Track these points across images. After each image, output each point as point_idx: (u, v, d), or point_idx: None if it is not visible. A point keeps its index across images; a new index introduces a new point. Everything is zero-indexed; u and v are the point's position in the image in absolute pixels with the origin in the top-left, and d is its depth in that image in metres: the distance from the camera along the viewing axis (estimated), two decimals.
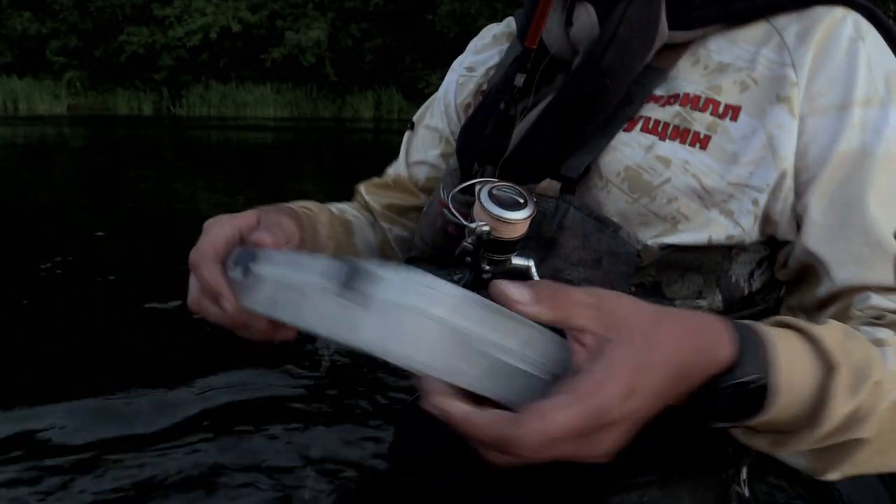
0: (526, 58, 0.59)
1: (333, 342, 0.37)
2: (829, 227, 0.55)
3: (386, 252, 0.87)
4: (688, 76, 0.60)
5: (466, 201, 0.57)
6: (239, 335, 0.55)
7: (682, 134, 0.58)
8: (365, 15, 16.65)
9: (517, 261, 0.57)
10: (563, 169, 0.60)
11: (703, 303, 0.59)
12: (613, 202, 0.59)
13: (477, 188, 0.54)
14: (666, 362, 0.39)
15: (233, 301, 0.50)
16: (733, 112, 0.57)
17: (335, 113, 16.81)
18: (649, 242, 0.57)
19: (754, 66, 0.58)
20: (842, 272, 0.55)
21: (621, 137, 0.60)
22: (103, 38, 17.32)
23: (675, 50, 0.61)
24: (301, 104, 17.23)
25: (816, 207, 0.56)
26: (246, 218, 0.56)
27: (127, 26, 17.14)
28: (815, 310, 0.58)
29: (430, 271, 0.38)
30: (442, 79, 0.87)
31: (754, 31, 0.59)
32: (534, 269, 0.57)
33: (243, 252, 0.52)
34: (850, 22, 0.57)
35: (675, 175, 0.57)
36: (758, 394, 0.43)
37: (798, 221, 0.57)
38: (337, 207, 0.84)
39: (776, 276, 0.62)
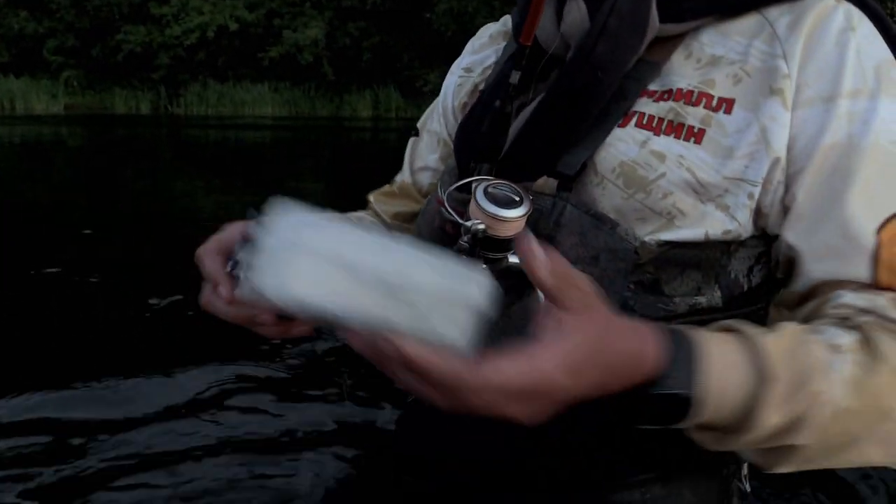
0: (521, 55, 0.59)
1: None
2: (809, 221, 0.55)
3: None
4: (681, 70, 0.60)
5: (463, 199, 0.57)
6: (254, 332, 0.54)
7: (676, 129, 0.58)
8: (362, 13, 16.62)
9: (514, 259, 0.57)
10: (559, 166, 0.60)
11: (702, 299, 0.59)
12: (609, 198, 0.59)
13: (473, 186, 0.54)
14: (608, 360, 0.42)
15: (228, 289, 0.51)
16: (727, 105, 0.57)
17: (333, 112, 16.80)
18: (646, 239, 0.57)
19: (747, 59, 0.57)
20: (818, 266, 0.55)
21: (616, 133, 0.60)
22: (100, 36, 17.27)
23: (668, 43, 0.61)
24: (299, 103, 17.20)
25: (800, 200, 0.55)
26: None
27: (124, 25, 17.09)
28: (796, 306, 0.58)
29: None
30: (440, 77, 0.87)
31: (746, 23, 0.59)
32: None
33: (241, 245, 0.52)
34: (841, 12, 0.57)
35: (669, 170, 0.57)
36: (684, 402, 0.45)
37: (786, 214, 0.57)
38: (355, 216, 0.86)
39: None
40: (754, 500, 1.34)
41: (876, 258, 0.53)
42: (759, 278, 0.62)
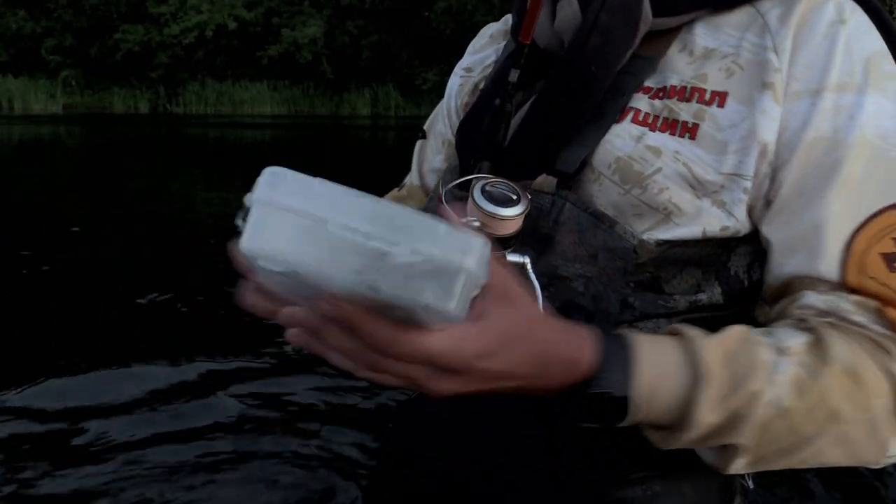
0: (519, 53, 0.59)
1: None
2: (786, 214, 0.55)
3: None
4: (675, 65, 0.60)
5: (462, 197, 0.57)
6: (262, 326, 0.54)
7: (671, 125, 0.58)
8: (361, 12, 16.62)
9: (512, 258, 0.57)
10: (558, 164, 0.60)
11: (702, 296, 0.59)
12: (606, 194, 0.59)
13: (471, 185, 0.54)
14: (529, 351, 0.43)
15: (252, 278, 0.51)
16: (720, 98, 0.57)
17: (332, 110, 16.81)
18: (644, 237, 0.57)
19: (739, 52, 0.57)
20: (788, 260, 0.55)
21: (612, 129, 0.60)
22: (98, 36, 17.27)
23: (664, 38, 0.61)
24: (298, 101, 17.22)
25: (782, 194, 0.55)
26: None
27: (122, 24, 17.09)
28: (773, 302, 0.58)
29: None
30: (439, 75, 0.87)
31: (739, 16, 0.59)
32: (529, 266, 0.57)
33: (239, 215, 0.51)
34: (832, 4, 0.56)
35: (665, 165, 0.57)
36: (620, 402, 0.47)
37: (768, 208, 0.57)
38: None
39: None
40: (757, 498, 1.35)
41: (846, 257, 0.52)
42: (760, 274, 0.61)
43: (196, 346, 2.04)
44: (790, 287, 0.55)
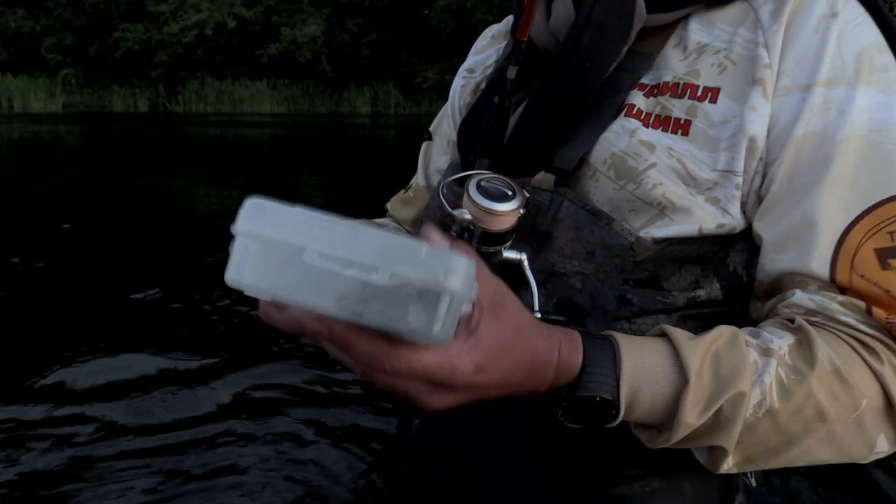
0: (517, 50, 0.59)
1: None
2: (777, 210, 0.55)
3: None
4: (669, 62, 0.60)
5: (461, 193, 0.58)
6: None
7: (663, 122, 0.58)
8: (361, 10, 16.60)
9: (509, 254, 0.57)
10: (556, 161, 0.60)
11: (701, 293, 0.59)
12: (602, 190, 0.59)
13: (467, 180, 0.55)
14: (520, 360, 0.44)
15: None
16: (712, 94, 0.57)
17: (332, 109, 16.79)
18: (641, 234, 0.57)
19: (732, 47, 0.57)
20: (779, 256, 0.54)
21: (608, 125, 0.60)
22: (98, 34, 17.25)
23: (660, 33, 0.61)
24: (298, 100, 17.20)
25: (773, 190, 0.55)
26: None
27: (121, 23, 17.07)
28: (764, 299, 0.58)
29: None
30: (439, 74, 0.88)
31: (732, 11, 0.59)
32: (526, 263, 0.57)
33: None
34: None
35: (659, 159, 0.57)
36: (604, 405, 0.48)
37: (760, 204, 0.57)
38: (380, 223, 0.88)
39: None
40: (760, 496, 1.35)
41: (837, 254, 0.52)
42: None
43: (196, 345, 2.04)
44: (780, 284, 0.55)
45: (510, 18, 0.80)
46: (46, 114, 14.75)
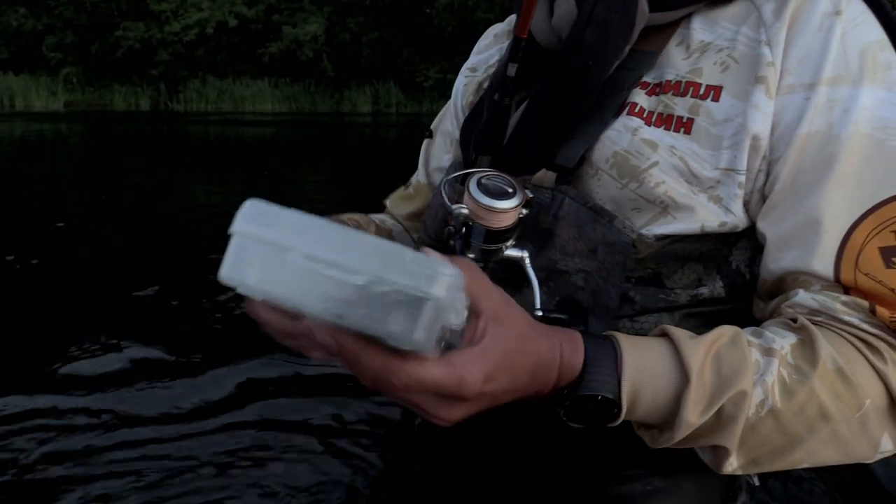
0: (517, 48, 0.59)
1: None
2: (781, 209, 0.54)
3: None
4: (671, 60, 0.60)
5: (461, 191, 0.57)
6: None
7: (665, 121, 0.58)
8: (362, 8, 16.59)
9: (510, 252, 0.57)
10: (557, 159, 0.60)
11: (704, 290, 0.59)
12: (605, 189, 0.59)
13: (468, 177, 0.55)
14: (525, 364, 0.44)
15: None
16: (715, 92, 0.56)
17: (333, 107, 16.79)
18: (643, 231, 0.57)
19: (735, 45, 0.57)
20: (782, 255, 0.54)
21: (610, 124, 0.60)
22: (99, 33, 17.24)
23: (663, 32, 0.61)
24: (299, 99, 17.19)
25: (777, 189, 0.55)
26: None
27: (123, 21, 17.06)
28: (767, 298, 0.58)
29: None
30: (440, 72, 0.89)
31: (735, 9, 0.58)
32: (527, 261, 0.57)
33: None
34: None
35: (662, 158, 0.57)
36: (605, 404, 0.48)
37: (763, 203, 0.56)
38: (378, 218, 0.89)
39: None
40: (763, 495, 1.35)
41: (841, 253, 0.51)
42: None
43: (195, 343, 2.04)
44: (784, 283, 0.55)
45: (513, 18, 0.80)
46: (48, 112, 14.76)
